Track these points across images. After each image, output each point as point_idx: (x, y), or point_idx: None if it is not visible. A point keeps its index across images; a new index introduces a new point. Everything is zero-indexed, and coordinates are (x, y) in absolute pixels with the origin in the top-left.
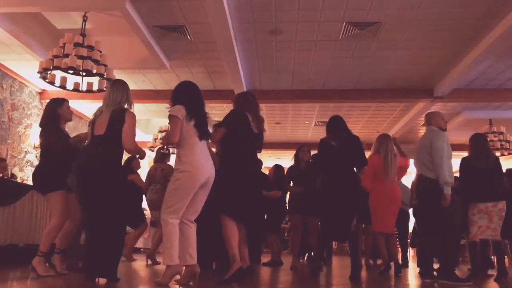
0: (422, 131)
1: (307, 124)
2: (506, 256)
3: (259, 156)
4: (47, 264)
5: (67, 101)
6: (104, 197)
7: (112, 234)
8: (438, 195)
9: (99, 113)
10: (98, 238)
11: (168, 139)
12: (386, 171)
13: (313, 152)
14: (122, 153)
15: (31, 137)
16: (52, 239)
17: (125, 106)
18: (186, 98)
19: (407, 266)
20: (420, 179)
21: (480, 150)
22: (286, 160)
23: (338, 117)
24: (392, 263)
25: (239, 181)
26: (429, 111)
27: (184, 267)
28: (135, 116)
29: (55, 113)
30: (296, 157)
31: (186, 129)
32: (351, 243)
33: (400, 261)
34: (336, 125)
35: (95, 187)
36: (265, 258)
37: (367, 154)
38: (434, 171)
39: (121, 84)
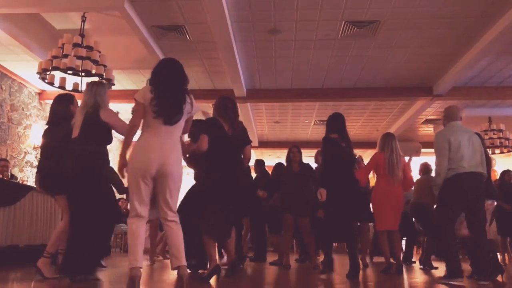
0: (422, 129)
1: (306, 123)
2: (506, 254)
3: (260, 155)
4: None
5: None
6: (78, 199)
7: (88, 235)
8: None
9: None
10: (76, 240)
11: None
12: (391, 170)
13: (310, 151)
14: (99, 153)
15: (30, 137)
16: (62, 240)
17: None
18: (153, 77)
19: (412, 263)
20: (481, 179)
21: None
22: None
23: (342, 115)
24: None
25: (210, 195)
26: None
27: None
28: (109, 110)
29: (69, 110)
30: (288, 158)
31: (147, 113)
32: (350, 242)
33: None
34: (341, 124)
35: (76, 185)
36: (270, 258)
37: (368, 152)
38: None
39: (90, 87)
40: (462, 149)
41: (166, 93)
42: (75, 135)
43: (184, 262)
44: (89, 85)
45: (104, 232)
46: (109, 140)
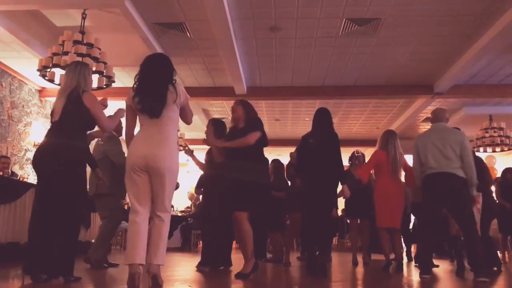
0: (422, 127)
1: (307, 120)
2: (506, 252)
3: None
4: None
5: None
6: (64, 190)
7: (69, 231)
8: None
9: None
10: (55, 235)
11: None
12: (394, 167)
13: None
14: (79, 140)
15: (31, 135)
16: None
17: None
18: (136, 76)
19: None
20: (450, 178)
21: None
22: (287, 157)
23: (319, 110)
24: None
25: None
26: (439, 107)
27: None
28: (93, 95)
29: None
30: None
31: (137, 112)
32: (324, 236)
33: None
34: (316, 120)
35: (54, 178)
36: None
37: (369, 150)
38: (466, 172)
39: (73, 67)
40: (429, 151)
41: (145, 88)
42: (55, 119)
43: (159, 261)
44: (72, 64)
45: (78, 228)
46: (91, 127)
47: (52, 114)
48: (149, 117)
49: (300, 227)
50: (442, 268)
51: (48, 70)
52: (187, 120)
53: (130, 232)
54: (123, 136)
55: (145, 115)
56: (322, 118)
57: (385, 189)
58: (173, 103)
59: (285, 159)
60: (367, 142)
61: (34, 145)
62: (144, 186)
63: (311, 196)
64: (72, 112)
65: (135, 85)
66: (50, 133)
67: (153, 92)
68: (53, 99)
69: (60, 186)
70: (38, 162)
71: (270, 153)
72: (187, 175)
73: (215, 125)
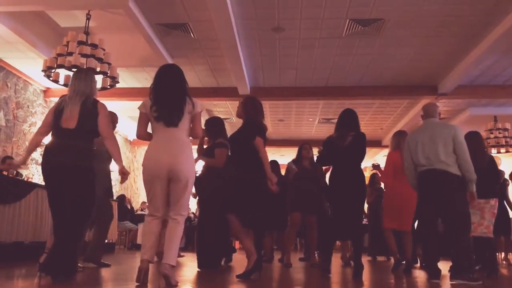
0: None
1: (310, 121)
2: (504, 253)
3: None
4: None
5: None
6: (80, 195)
7: (79, 234)
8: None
9: (64, 104)
10: (66, 239)
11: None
12: None
13: (313, 149)
14: (94, 148)
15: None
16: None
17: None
18: (153, 86)
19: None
20: (440, 175)
21: (475, 149)
22: (290, 157)
23: (347, 111)
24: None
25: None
26: (430, 102)
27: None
28: (106, 106)
29: None
30: (299, 154)
31: (152, 120)
32: (356, 241)
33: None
34: (343, 121)
35: (71, 184)
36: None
37: (373, 151)
38: (461, 167)
39: (84, 74)
40: (419, 148)
41: (164, 97)
42: (72, 126)
43: (170, 261)
44: (82, 72)
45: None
46: (98, 134)
47: (59, 117)
48: (166, 126)
49: (320, 228)
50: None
51: (53, 70)
52: (196, 131)
53: (145, 232)
54: None
55: (161, 123)
56: (351, 119)
57: (396, 190)
58: (188, 113)
59: (288, 160)
60: (371, 143)
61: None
62: (164, 192)
63: (343, 195)
64: (90, 119)
65: (151, 96)
66: (64, 138)
67: (171, 102)
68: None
69: (72, 185)
70: (50, 158)
71: (274, 154)
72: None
73: (206, 126)
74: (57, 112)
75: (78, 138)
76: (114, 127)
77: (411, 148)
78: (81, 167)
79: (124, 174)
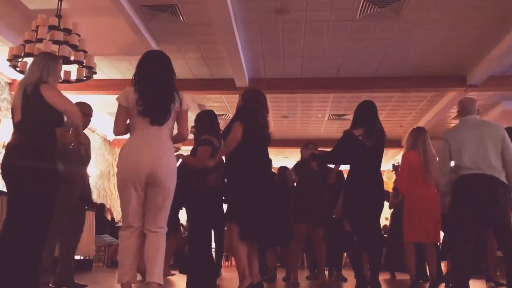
0: (454, 125)
1: (319, 117)
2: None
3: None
4: None
5: None
6: (26, 202)
7: (33, 243)
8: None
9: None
10: (17, 248)
11: (114, 131)
12: (425, 166)
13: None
14: (47, 139)
15: (1, 133)
16: None
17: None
18: (137, 72)
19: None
20: (489, 181)
21: None
22: (295, 160)
23: (371, 104)
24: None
25: (253, 194)
26: (467, 97)
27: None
28: (51, 86)
29: None
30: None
31: (133, 114)
32: (374, 256)
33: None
34: (370, 115)
35: (19, 184)
36: (280, 273)
37: (391, 152)
38: (509, 174)
39: (39, 59)
40: (464, 149)
41: (152, 91)
42: (18, 119)
43: (156, 280)
44: (38, 56)
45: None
46: (59, 121)
47: (12, 113)
48: (150, 124)
49: (329, 242)
50: None
51: (20, 60)
52: (182, 131)
53: (123, 249)
54: None
55: (146, 120)
56: (373, 113)
57: (416, 196)
58: (175, 112)
59: (293, 162)
60: (389, 142)
61: (3, 147)
62: (141, 200)
63: (369, 205)
64: (31, 109)
65: (135, 86)
66: (15, 135)
67: (160, 97)
68: None
69: (27, 189)
70: (4, 164)
71: (277, 155)
72: None
73: (194, 122)
74: (12, 110)
75: (23, 133)
76: (89, 121)
77: (452, 148)
78: (28, 168)
79: (77, 128)
